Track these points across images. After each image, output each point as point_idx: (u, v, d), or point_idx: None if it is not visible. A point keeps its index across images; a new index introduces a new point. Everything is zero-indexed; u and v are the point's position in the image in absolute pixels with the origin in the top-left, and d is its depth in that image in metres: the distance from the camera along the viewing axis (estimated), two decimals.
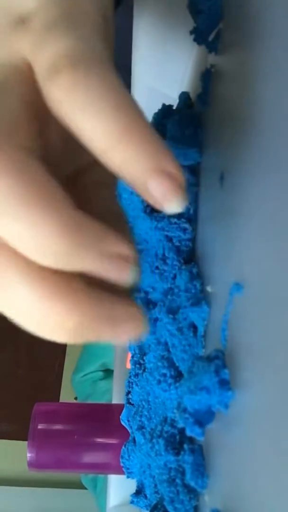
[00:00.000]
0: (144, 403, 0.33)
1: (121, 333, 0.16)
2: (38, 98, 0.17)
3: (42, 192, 0.15)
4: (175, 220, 0.29)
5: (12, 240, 0.15)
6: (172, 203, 0.16)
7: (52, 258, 0.15)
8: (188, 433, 0.20)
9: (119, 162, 0.15)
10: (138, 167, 0.15)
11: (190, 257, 0.29)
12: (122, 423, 0.39)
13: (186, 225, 0.29)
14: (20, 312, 0.16)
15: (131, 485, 0.38)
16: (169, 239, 0.29)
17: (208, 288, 0.22)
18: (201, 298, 0.25)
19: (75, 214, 0.15)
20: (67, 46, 0.16)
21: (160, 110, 0.32)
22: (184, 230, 0.29)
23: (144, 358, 0.34)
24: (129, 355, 0.39)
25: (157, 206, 0.16)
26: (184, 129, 0.28)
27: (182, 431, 0.27)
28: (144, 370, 0.35)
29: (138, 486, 0.35)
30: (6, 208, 0.14)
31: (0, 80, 0.17)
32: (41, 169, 0.15)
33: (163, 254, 0.29)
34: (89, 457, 0.44)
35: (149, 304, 0.33)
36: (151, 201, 0.16)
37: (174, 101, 0.33)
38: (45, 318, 0.15)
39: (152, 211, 0.30)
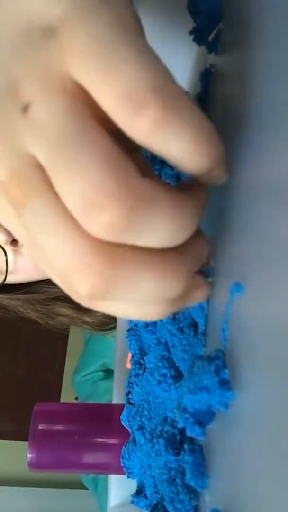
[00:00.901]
0: (144, 403, 0.33)
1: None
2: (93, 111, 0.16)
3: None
4: None
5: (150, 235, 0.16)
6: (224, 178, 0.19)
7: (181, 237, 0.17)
8: (189, 433, 0.20)
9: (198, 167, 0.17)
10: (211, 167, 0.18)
11: None
12: (122, 423, 0.39)
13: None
14: (145, 297, 0.17)
15: (132, 485, 0.38)
16: None
17: (209, 280, 0.22)
18: None
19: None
20: (140, 74, 0.15)
21: None
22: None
23: (144, 358, 0.34)
24: (129, 355, 0.39)
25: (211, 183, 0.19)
26: None
27: (182, 431, 0.27)
28: (144, 370, 0.35)
29: (138, 486, 0.35)
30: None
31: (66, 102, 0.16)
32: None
33: None
34: (89, 457, 0.44)
35: None
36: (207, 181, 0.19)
37: None
38: (164, 288, 0.17)
39: None
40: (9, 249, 0.59)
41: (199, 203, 0.18)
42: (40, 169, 0.16)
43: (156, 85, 0.15)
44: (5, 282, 0.61)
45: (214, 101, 0.27)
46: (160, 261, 0.17)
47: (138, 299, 0.17)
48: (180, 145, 0.16)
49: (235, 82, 0.22)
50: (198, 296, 0.21)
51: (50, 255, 0.17)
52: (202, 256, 0.20)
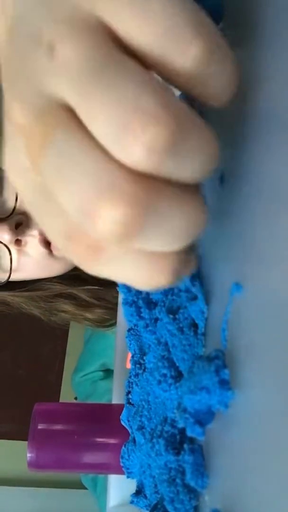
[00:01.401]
0: (144, 403, 0.33)
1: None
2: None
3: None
4: None
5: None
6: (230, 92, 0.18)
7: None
8: (189, 433, 0.20)
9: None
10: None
11: None
12: (122, 423, 0.39)
13: None
14: (174, 233, 0.17)
15: (131, 485, 0.38)
16: None
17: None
18: (199, 293, 0.25)
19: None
20: (177, 10, 0.15)
21: None
22: None
23: (144, 358, 0.34)
24: (129, 355, 0.39)
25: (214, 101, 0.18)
26: None
27: (182, 431, 0.27)
28: (144, 370, 0.35)
29: (138, 486, 0.35)
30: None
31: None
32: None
33: None
34: (89, 457, 0.44)
35: (150, 304, 0.33)
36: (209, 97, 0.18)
37: None
38: (189, 222, 0.17)
39: None
40: (13, 248, 0.60)
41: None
42: (65, 108, 0.16)
43: (195, 22, 0.15)
44: (9, 280, 0.62)
45: None
46: (189, 198, 0.17)
47: (168, 234, 0.16)
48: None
49: None
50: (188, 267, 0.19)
51: (70, 193, 0.15)
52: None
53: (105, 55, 0.15)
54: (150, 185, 0.15)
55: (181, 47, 0.15)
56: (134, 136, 0.14)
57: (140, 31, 0.15)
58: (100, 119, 0.15)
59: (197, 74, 0.16)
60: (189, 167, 0.16)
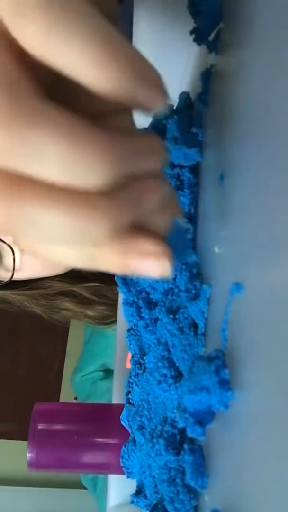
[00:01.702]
0: (144, 403, 0.33)
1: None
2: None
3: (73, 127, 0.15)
4: None
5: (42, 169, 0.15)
6: (158, 103, 0.17)
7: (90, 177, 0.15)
8: (189, 433, 0.20)
9: (107, 84, 0.15)
10: (126, 85, 0.16)
11: None
12: (122, 423, 0.39)
13: (188, 225, 0.28)
14: (55, 235, 0.16)
15: (131, 485, 0.38)
16: None
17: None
18: (200, 293, 0.25)
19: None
20: None
21: None
22: (186, 230, 0.29)
23: (144, 358, 0.34)
24: (129, 355, 0.39)
25: (146, 111, 0.17)
26: (184, 129, 0.28)
27: (182, 431, 0.27)
28: (144, 370, 0.35)
29: (138, 486, 0.35)
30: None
31: None
32: (57, 108, 0.15)
33: None
34: (89, 457, 0.44)
35: (150, 304, 0.33)
36: (139, 109, 0.17)
37: (174, 101, 0.33)
38: (82, 229, 0.16)
39: None
40: (16, 247, 0.61)
41: (123, 143, 0.16)
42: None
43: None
44: (12, 279, 0.63)
45: (214, 101, 0.27)
46: (69, 200, 0.16)
47: (49, 236, 0.16)
48: (74, 55, 0.15)
49: (235, 81, 0.22)
50: (146, 265, 0.18)
51: None
52: (148, 204, 0.17)
53: None
54: (14, 188, 0.16)
55: (25, 19, 0.15)
56: None
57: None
58: None
59: (43, 49, 0.15)
60: (46, 167, 0.15)
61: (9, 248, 0.60)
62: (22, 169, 0.15)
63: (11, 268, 0.62)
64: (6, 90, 0.15)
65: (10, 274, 0.63)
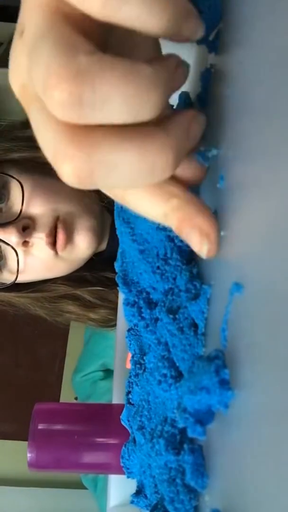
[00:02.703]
0: (144, 403, 0.33)
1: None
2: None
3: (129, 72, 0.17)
4: None
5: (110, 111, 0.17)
6: (199, 31, 0.21)
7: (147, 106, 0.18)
8: (190, 433, 0.20)
9: (161, 26, 0.18)
10: (175, 23, 0.19)
11: (190, 257, 0.29)
12: (122, 423, 0.39)
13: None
14: (132, 174, 0.18)
15: (131, 485, 0.38)
16: (171, 239, 0.29)
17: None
18: (200, 293, 0.25)
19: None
20: None
21: None
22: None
23: (144, 358, 0.34)
24: (129, 355, 0.39)
25: (189, 40, 0.21)
26: None
27: (182, 431, 0.27)
28: (144, 370, 0.35)
29: (138, 486, 0.35)
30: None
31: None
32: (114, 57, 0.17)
33: (165, 254, 0.29)
34: (89, 457, 0.44)
35: (150, 304, 0.33)
36: (184, 40, 0.20)
37: (174, 101, 0.33)
38: (152, 162, 0.18)
39: None
40: (20, 250, 0.61)
41: (163, 69, 0.18)
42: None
43: None
44: (16, 281, 0.64)
45: (214, 101, 0.27)
46: (137, 138, 0.18)
47: (125, 177, 0.18)
48: (133, 8, 0.17)
49: (235, 82, 0.22)
50: (194, 239, 0.21)
51: (44, 147, 0.19)
52: (193, 133, 0.21)
53: (46, 28, 0.18)
54: (88, 136, 0.18)
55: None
56: (48, 94, 0.17)
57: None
58: (36, 85, 0.18)
59: (106, 11, 0.18)
60: (111, 110, 0.17)
61: (13, 251, 0.61)
62: (92, 117, 0.17)
63: (15, 270, 0.63)
64: (69, 51, 0.17)
65: (14, 277, 0.63)
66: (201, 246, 0.21)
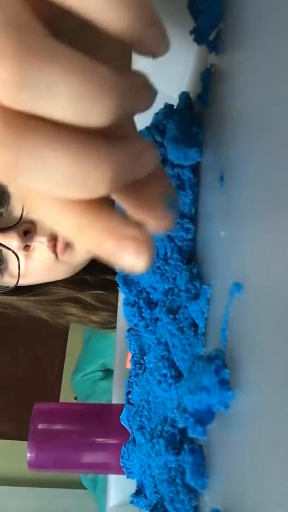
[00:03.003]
0: (144, 403, 0.33)
1: (144, 163, 0.18)
2: None
3: (78, 63, 0.16)
4: (178, 220, 0.29)
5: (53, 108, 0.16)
6: (162, 47, 0.19)
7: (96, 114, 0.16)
8: (191, 434, 0.20)
9: (120, 24, 0.17)
10: (135, 26, 0.17)
11: (191, 257, 0.29)
12: (122, 423, 0.39)
13: (189, 225, 0.28)
14: (62, 179, 0.16)
15: (131, 485, 0.38)
16: (171, 239, 0.29)
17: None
18: (200, 293, 0.25)
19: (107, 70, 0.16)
20: None
21: (161, 110, 0.32)
22: (187, 230, 0.29)
23: (144, 358, 0.34)
24: (129, 355, 0.39)
25: (150, 54, 0.19)
26: (184, 129, 0.28)
27: (182, 431, 0.27)
28: (144, 370, 0.35)
29: (138, 486, 0.35)
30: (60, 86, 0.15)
31: None
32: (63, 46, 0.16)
33: (165, 254, 0.29)
34: (89, 457, 0.44)
35: (151, 304, 0.33)
36: (145, 51, 0.19)
37: (174, 101, 0.33)
38: (86, 172, 0.16)
39: None
40: (21, 254, 0.62)
41: (126, 80, 0.17)
42: None
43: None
44: (17, 285, 0.64)
45: (214, 101, 0.27)
46: (77, 142, 0.16)
47: (52, 180, 0.16)
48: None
49: (235, 82, 0.22)
50: (121, 252, 0.18)
51: None
52: (143, 162, 0.18)
53: (7, 11, 0.16)
54: (23, 124, 0.16)
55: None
56: None
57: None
58: None
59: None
60: (55, 100, 0.16)
61: (13, 255, 0.62)
62: (32, 106, 0.16)
63: (16, 274, 0.63)
64: (18, 29, 0.15)
65: (15, 280, 0.64)
66: (138, 257, 0.18)
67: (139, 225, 0.18)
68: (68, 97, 0.15)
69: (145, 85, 0.18)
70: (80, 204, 0.18)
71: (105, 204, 0.18)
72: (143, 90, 0.18)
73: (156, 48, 0.19)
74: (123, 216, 0.18)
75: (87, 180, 0.16)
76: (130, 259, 0.18)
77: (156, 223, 0.19)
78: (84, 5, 0.16)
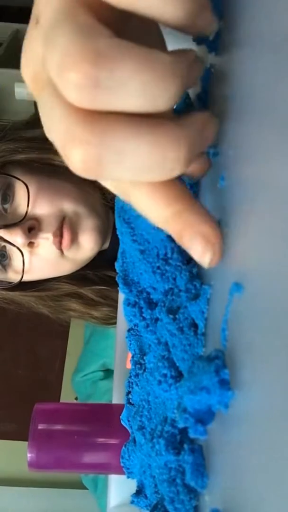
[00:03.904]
0: (144, 403, 0.33)
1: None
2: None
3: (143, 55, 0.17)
4: None
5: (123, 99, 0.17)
6: (212, 26, 0.22)
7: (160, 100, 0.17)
8: (192, 434, 0.20)
9: (177, 17, 0.18)
10: (189, 15, 0.19)
11: (191, 257, 0.29)
12: (122, 423, 0.39)
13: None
14: (142, 166, 0.18)
15: (131, 485, 0.38)
16: (172, 239, 0.29)
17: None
18: (200, 293, 0.25)
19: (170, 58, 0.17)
20: None
21: None
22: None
23: (145, 358, 0.34)
24: (129, 355, 0.39)
25: (202, 34, 0.21)
26: None
27: (182, 431, 0.27)
28: (144, 370, 0.35)
29: (138, 486, 0.35)
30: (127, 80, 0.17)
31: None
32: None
33: (165, 254, 0.29)
34: (89, 457, 0.44)
35: (151, 304, 0.33)
36: (197, 33, 0.21)
37: None
38: (164, 154, 0.18)
39: None
40: (25, 250, 0.62)
41: (182, 61, 0.18)
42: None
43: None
44: (21, 280, 0.65)
45: (214, 101, 0.27)
46: (151, 128, 0.18)
47: (134, 168, 0.18)
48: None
49: (235, 82, 0.22)
50: (195, 246, 0.21)
51: (51, 132, 0.18)
52: (207, 133, 0.20)
53: (63, 13, 0.17)
54: (102, 121, 0.17)
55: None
56: (64, 76, 0.17)
57: None
58: (50, 68, 0.17)
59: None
60: (128, 95, 0.17)
61: (18, 251, 0.62)
62: (107, 102, 0.17)
63: (20, 270, 0.64)
64: (87, 34, 0.17)
65: (19, 276, 0.64)
66: (204, 254, 0.20)
67: (214, 223, 0.20)
68: (139, 90, 0.17)
69: (196, 59, 0.20)
70: (163, 191, 0.20)
71: (186, 192, 0.20)
72: (195, 65, 0.19)
73: (207, 28, 0.20)
74: (201, 206, 0.20)
75: (165, 162, 0.18)
76: (198, 254, 0.21)
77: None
78: (144, 6, 0.17)
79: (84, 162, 0.17)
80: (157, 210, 0.20)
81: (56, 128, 0.18)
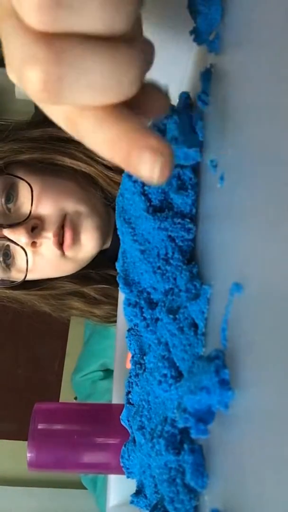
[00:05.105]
0: (144, 403, 0.33)
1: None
2: None
3: None
4: (179, 220, 0.29)
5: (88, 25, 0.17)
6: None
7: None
8: (194, 434, 0.20)
9: None
10: None
11: (191, 257, 0.29)
12: (122, 423, 0.39)
13: (190, 225, 0.28)
14: (101, 84, 0.18)
15: (131, 485, 0.38)
16: (172, 239, 0.29)
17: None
18: (200, 293, 0.25)
19: None
20: None
21: None
22: (188, 230, 0.29)
23: (145, 358, 0.34)
24: (129, 355, 0.39)
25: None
26: (184, 129, 0.28)
27: (182, 431, 0.27)
28: (144, 370, 0.35)
29: (138, 486, 0.35)
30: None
31: None
32: None
33: (166, 254, 0.29)
34: (89, 457, 0.44)
35: (151, 304, 0.33)
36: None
37: (174, 101, 0.33)
38: (121, 72, 0.18)
39: (155, 211, 0.30)
40: (29, 250, 0.63)
41: None
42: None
43: None
44: (24, 280, 0.65)
45: (214, 101, 0.27)
46: (107, 47, 0.18)
47: (93, 87, 0.18)
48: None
49: (235, 81, 0.22)
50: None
51: (10, 60, 0.18)
52: (150, 57, 0.20)
53: None
54: (60, 41, 0.17)
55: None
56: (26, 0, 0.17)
57: None
58: None
59: None
60: (88, 14, 0.17)
61: (21, 250, 0.62)
62: (67, 22, 0.17)
63: (24, 269, 0.64)
64: None
65: (22, 275, 0.65)
66: (153, 168, 0.19)
67: (159, 137, 0.20)
68: (99, 9, 0.17)
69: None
70: (112, 115, 0.19)
71: (132, 114, 0.20)
72: None
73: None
74: (147, 127, 0.20)
75: (123, 79, 0.18)
76: (147, 169, 0.20)
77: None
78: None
79: (44, 81, 0.17)
80: (104, 133, 0.20)
81: (14, 50, 0.18)
